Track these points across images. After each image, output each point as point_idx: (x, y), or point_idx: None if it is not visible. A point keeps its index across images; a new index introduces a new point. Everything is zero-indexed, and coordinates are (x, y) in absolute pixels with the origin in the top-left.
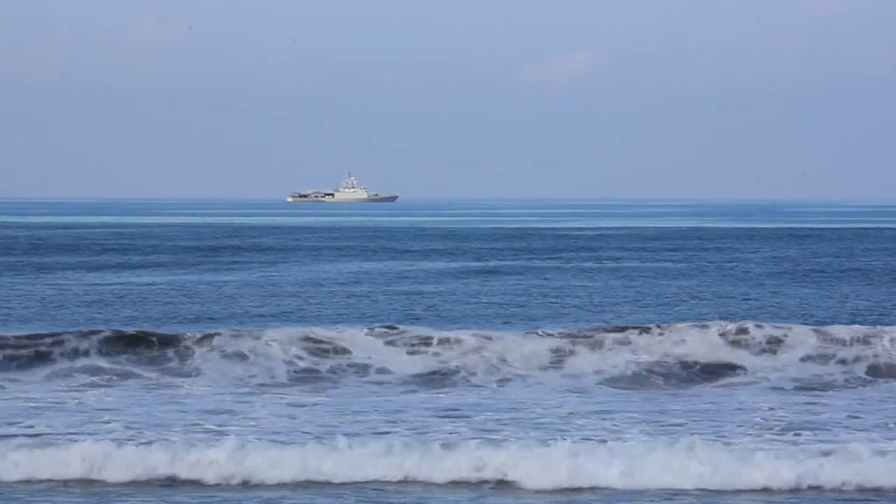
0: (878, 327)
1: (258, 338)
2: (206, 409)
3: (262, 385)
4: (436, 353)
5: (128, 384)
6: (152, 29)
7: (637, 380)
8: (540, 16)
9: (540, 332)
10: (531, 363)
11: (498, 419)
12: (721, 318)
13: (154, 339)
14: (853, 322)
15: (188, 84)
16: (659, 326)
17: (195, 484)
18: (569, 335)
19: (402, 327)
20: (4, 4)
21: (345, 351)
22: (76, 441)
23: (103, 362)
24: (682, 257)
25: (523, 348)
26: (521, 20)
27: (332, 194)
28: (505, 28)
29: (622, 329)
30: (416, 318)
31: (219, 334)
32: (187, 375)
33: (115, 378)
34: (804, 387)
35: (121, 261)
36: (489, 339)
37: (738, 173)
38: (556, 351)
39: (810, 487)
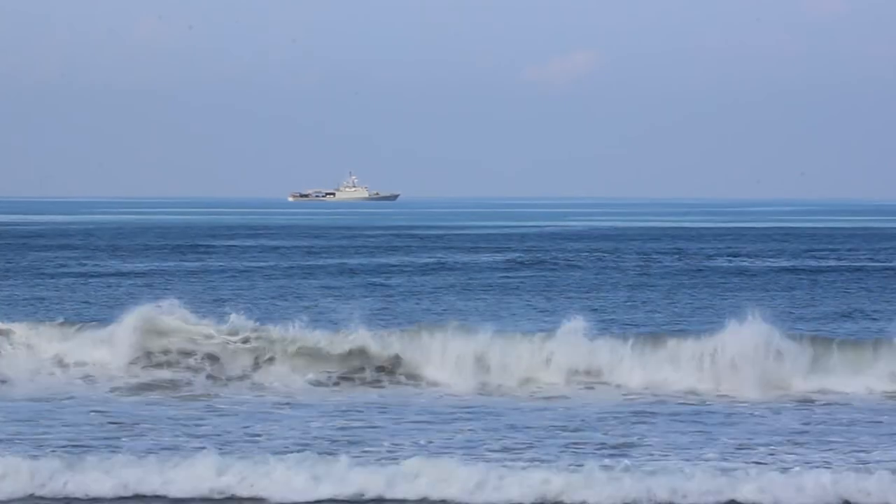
0: None
1: None
2: None
3: None
4: None
5: None
6: (152, 29)
7: None
8: (540, 16)
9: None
10: None
11: None
12: None
13: None
14: None
15: (188, 84)
16: None
17: None
18: None
19: None
20: (4, 4)
21: None
22: None
23: None
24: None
25: None
26: (521, 20)
27: (333, 193)
28: (505, 28)
29: None
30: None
31: None
32: None
33: None
34: None
35: None
36: None
37: (738, 173)
38: None
39: None
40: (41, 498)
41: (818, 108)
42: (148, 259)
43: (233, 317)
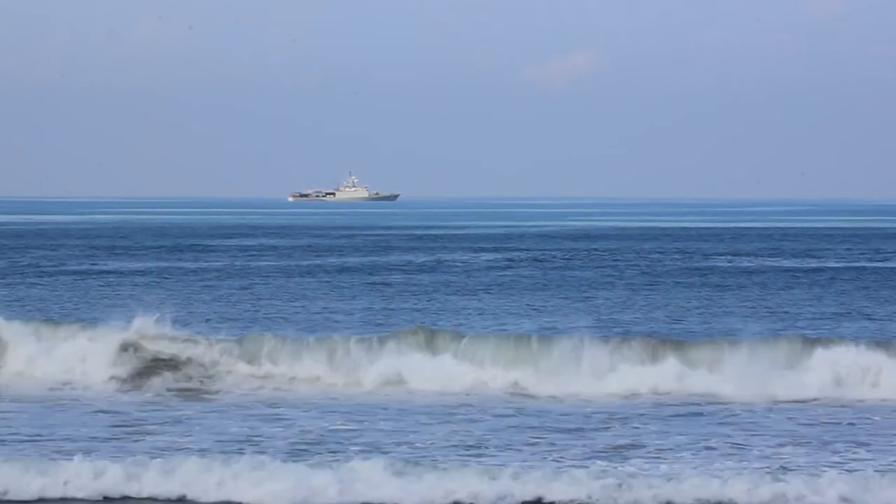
0: None
1: None
2: None
3: None
4: None
5: None
6: (152, 29)
7: None
8: (540, 16)
9: None
10: None
11: None
12: None
13: None
14: None
15: (188, 84)
16: None
17: None
18: None
19: None
20: (4, 4)
21: None
22: None
23: None
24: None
25: None
26: (521, 20)
27: (333, 193)
28: (505, 28)
29: None
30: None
31: None
32: None
33: None
34: None
35: None
36: None
37: (738, 173)
38: None
39: None
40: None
41: (818, 108)
42: (146, 258)
43: (222, 336)
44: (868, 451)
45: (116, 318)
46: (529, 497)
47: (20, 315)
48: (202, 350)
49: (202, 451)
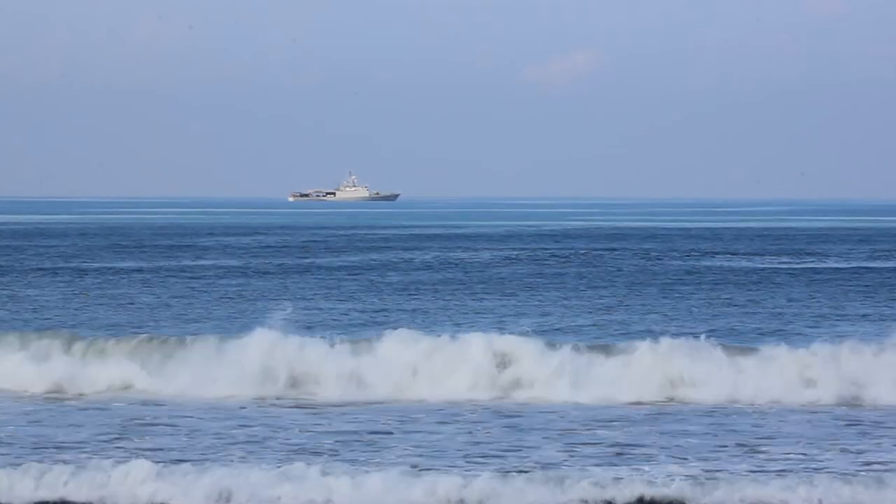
0: None
1: None
2: None
3: None
4: None
5: None
6: (152, 29)
7: None
8: (540, 16)
9: None
10: None
11: None
12: None
13: None
14: None
15: (188, 84)
16: None
17: None
18: None
19: None
20: (4, 4)
21: None
22: None
23: None
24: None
25: None
26: (521, 20)
27: (334, 193)
28: (505, 28)
29: None
30: None
31: None
32: None
33: None
34: None
35: None
36: None
37: (738, 173)
38: None
39: None
40: None
41: (818, 108)
42: (146, 257)
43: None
44: (882, 450)
45: (116, 319)
46: (530, 499)
47: (18, 315)
48: (202, 349)
49: (200, 453)
